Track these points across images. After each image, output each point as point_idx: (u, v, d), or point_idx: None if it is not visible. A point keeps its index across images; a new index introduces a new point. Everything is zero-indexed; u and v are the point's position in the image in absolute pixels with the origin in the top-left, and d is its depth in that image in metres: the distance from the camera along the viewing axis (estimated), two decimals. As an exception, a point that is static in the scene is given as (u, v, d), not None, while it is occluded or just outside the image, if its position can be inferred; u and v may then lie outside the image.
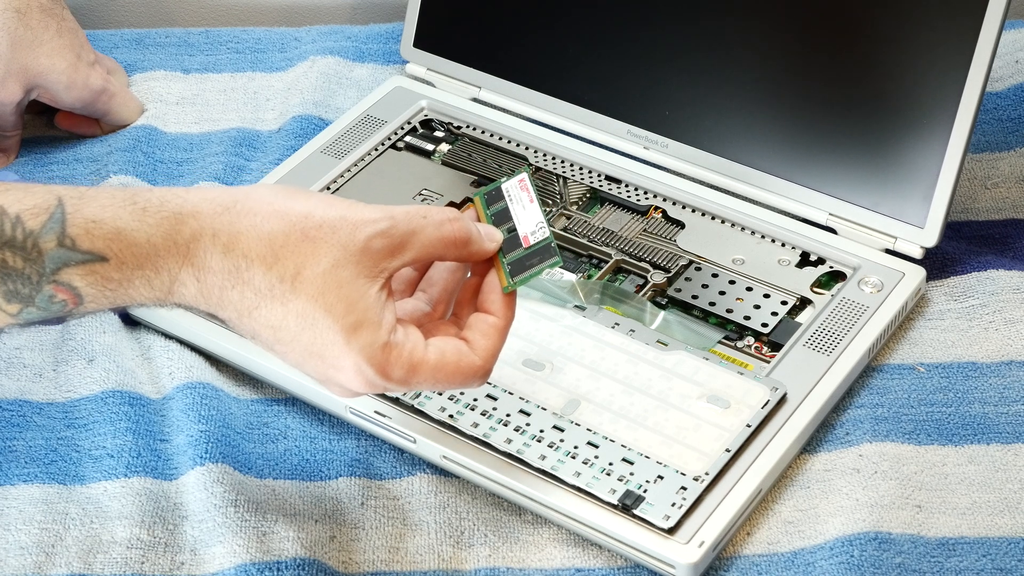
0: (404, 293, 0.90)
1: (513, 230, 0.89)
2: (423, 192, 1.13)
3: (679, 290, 1.05)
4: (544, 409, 0.96)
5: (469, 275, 0.90)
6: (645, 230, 1.10)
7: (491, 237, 0.88)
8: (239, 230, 0.83)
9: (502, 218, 0.90)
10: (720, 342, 1.02)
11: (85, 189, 0.84)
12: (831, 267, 1.06)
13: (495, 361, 0.87)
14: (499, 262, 0.88)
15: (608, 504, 0.92)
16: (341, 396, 0.87)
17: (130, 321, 1.05)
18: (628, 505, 0.91)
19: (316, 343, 0.83)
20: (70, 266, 0.82)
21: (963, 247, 1.09)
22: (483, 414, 0.96)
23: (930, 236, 1.05)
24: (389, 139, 1.17)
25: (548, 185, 1.13)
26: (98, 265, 0.82)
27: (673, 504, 0.91)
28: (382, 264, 0.84)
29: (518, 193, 0.90)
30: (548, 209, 1.11)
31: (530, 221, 0.89)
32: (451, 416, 0.96)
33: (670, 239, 1.09)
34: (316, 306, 0.82)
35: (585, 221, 1.10)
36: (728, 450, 0.94)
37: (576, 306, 1.04)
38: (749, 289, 1.05)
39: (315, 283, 0.82)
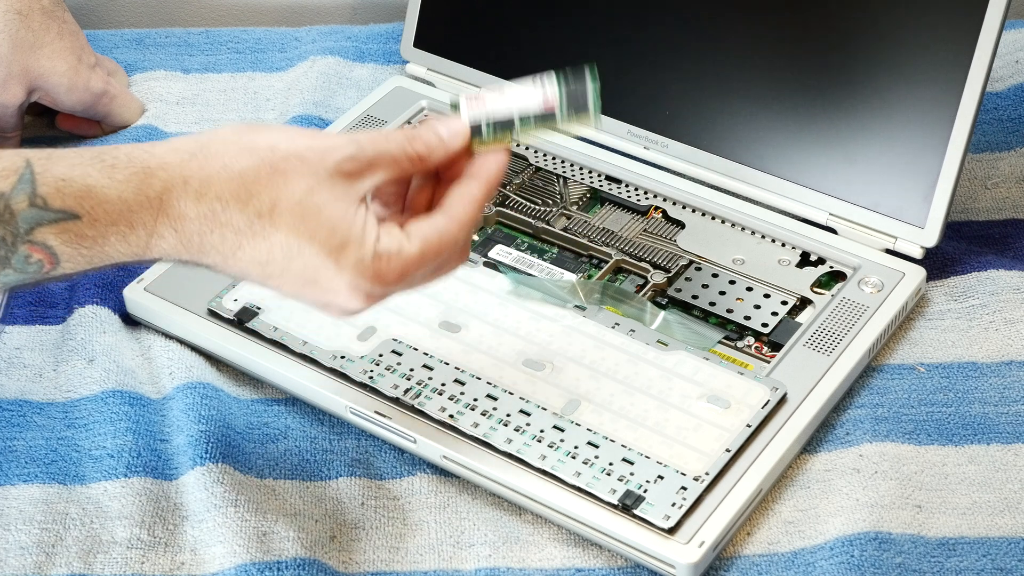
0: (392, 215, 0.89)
1: (526, 116, 0.87)
2: (423, 192, 1.12)
3: (679, 290, 1.05)
4: (544, 409, 0.96)
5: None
6: (645, 230, 1.10)
7: (454, 133, 0.87)
8: (209, 174, 0.83)
9: (503, 124, 0.87)
10: (720, 342, 1.02)
11: (52, 150, 0.84)
12: (831, 267, 1.06)
13: (471, 232, 0.87)
14: (496, 138, 0.87)
15: (608, 504, 0.92)
16: (344, 317, 0.87)
17: (130, 321, 1.05)
18: (628, 505, 0.91)
19: (307, 270, 0.84)
20: (43, 225, 0.82)
21: (963, 247, 1.09)
22: (483, 414, 0.96)
23: (930, 236, 1.05)
24: (389, 139, 1.16)
25: (548, 185, 1.13)
26: (71, 223, 0.82)
27: (673, 504, 0.91)
28: (356, 185, 0.84)
29: (481, 102, 0.87)
30: (548, 209, 1.11)
31: (526, 95, 0.87)
32: (451, 416, 0.96)
33: (670, 239, 1.09)
34: (298, 235, 0.83)
35: (585, 221, 1.10)
36: (728, 450, 0.94)
37: (576, 306, 1.04)
38: (749, 289, 1.05)
39: (293, 213, 0.83)
